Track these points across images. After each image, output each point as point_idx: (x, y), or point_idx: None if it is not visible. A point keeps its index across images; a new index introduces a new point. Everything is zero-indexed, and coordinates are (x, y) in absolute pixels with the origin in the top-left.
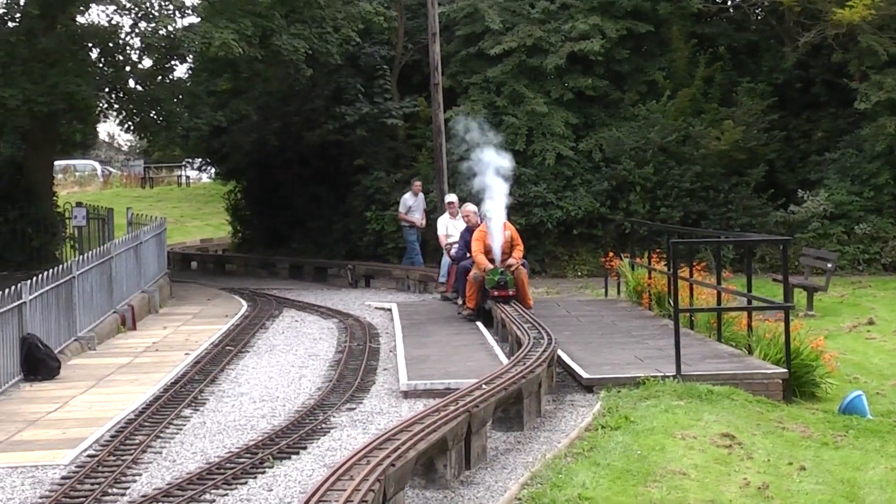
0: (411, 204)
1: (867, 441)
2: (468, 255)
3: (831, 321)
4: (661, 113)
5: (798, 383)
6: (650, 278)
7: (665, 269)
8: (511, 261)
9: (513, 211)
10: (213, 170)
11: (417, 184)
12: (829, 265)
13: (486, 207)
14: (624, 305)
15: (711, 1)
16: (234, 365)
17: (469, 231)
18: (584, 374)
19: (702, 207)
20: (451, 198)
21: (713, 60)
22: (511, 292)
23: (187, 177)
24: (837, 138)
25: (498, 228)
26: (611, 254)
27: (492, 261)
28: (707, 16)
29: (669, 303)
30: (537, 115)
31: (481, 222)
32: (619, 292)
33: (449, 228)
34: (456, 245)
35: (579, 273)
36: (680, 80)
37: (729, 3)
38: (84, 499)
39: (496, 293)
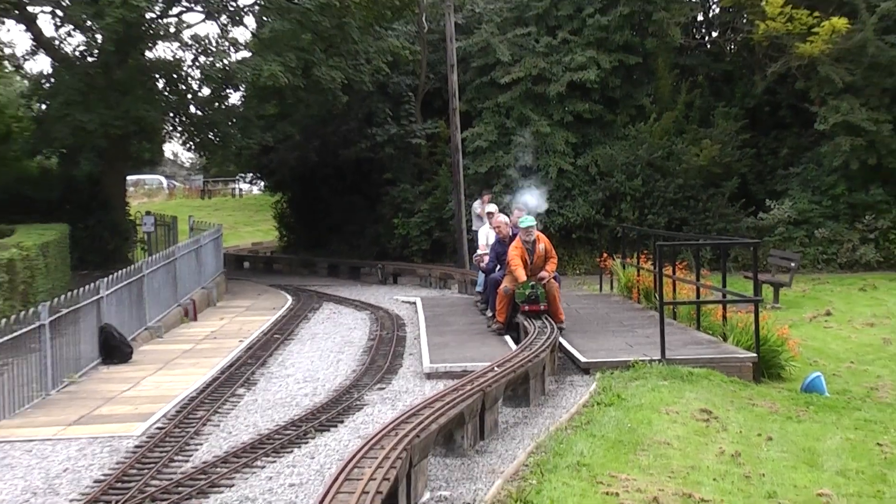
0: (479, 212)
1: (825, 415)
2: (499, 267)
3: (794, 312)
4: (648, 133)
5: (766, 366)
6: (639, 276)
7: (651, 267)
8: (543, 273)
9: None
10: (262, 183)
11: (487, 196)
12: (793, 264)
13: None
14: (616, 299)
15: (691, 36)
16: (280, 350)
17: (500, 243)
18: (582, 359)
19: (683, 214)
20: (492, 208)
21: (693, 88)
22: (542, 307)
23: (240, 189)
24: (800, 155)
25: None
26: (605, 255)
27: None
28: (688, 49)
29: (655, 297)
30: (541, 135)
31: (513, 234)
32: (612, 288)
33: (490, 238)
34: (487, 257)
35: (578, 271)
36: (664, 104)
37: (706, 38)
38: (153, 465)
39: (527, 307)
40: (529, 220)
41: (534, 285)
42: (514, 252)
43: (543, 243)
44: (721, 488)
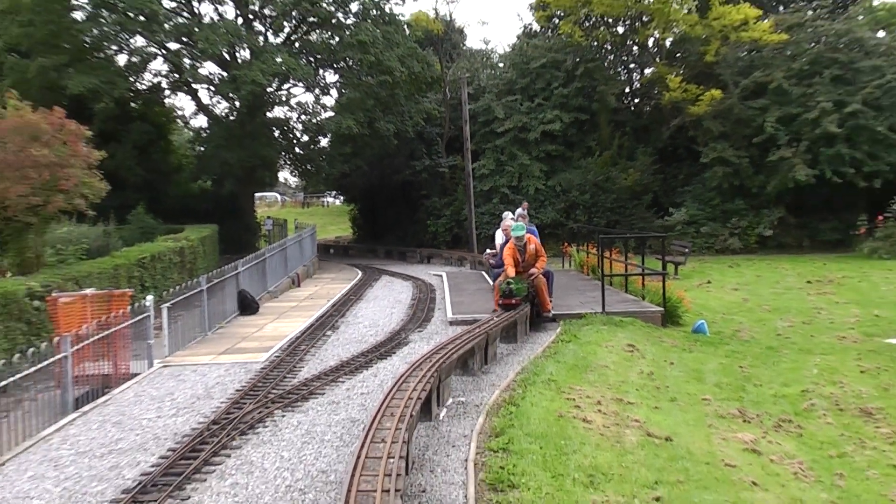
0: (511, 217)
1: (707, 348)
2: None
3: (687, 282)
4: (594, 164)
5: (669, 316)
6: (588, 257)
7: (596, 252)
8: (533, 271)
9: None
10: (342, 197)
11: (526, 204)
12: (686, 250)
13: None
14: (573, 273)
15: (622, 101)
16: (354, 307)
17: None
18: (552, 311)
19: (617, 217)
20: (511, 215)
21: (623, 135)
22: (515, 300)
23: (328, 201)
24: (691, 178)
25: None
26: (565, 244)
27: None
28: (619, 109)
29: (598, 271)
30: (524, 166)
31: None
32: (570, 266)
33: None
34: (496, 256)
35: (548, 254)
36: (604, 145)
37: (632, 102)
38: (273, 380)
39: (502, 301)
40: (520, 229)
41: (510, 282)
42: (507, 252)
43: (534, 244)
44: (641, 395)
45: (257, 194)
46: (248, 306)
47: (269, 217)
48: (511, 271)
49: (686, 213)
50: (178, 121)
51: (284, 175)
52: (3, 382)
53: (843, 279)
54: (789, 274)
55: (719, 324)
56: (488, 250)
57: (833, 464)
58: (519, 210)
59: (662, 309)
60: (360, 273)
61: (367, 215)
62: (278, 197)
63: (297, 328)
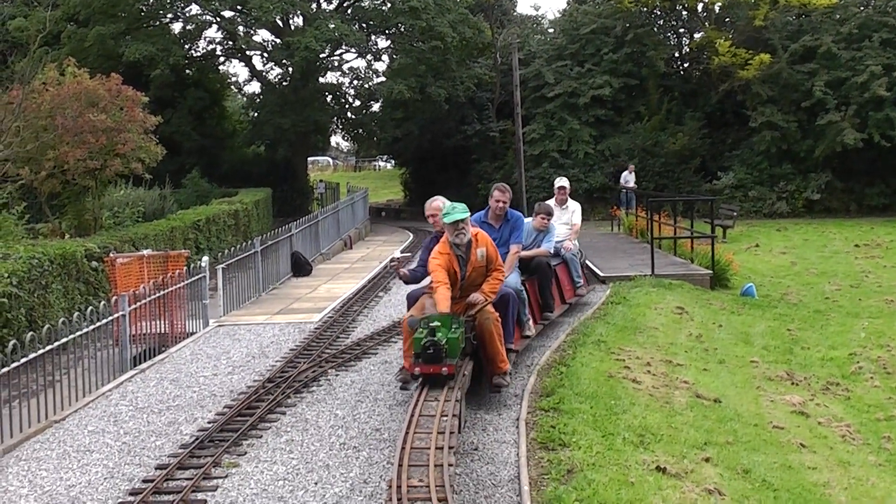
0: (629, 177)
1: (755, 311)
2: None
3: (736, 245)
4: (643, 129)
5: (718, 279)
6: (637, 221)
7: (645, 215)
8: (476, 297)
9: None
10: (393, 161)
11: (631, 165)
12: (735, 214)
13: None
14: (621, 237)
15: (671, 66)
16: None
17: (435, 240)
18: (601, 273)
19: (665, 182)
20: (565, 182)
21: (671, 100)
22: (445, 369)
23: (379, 165)
24: (739, 143)
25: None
26: (614, 207)
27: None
28: (668, 75)
29: (647, 235)
30: (573, 130)
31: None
32: (619, 229)
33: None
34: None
35: (597, 218)
36: (653, 111)
37: (681, 67)
38: (327, 339)
39: (417, 368)
40: (459, 212)
41: (433, 322)
42: (436, 261)
43: (485, 247)
44: (690, 357)
45: (310, 159)
46: (301, 268)
47: (321, 181)
48: (442, 299)
49: (734, 177)
50: (232, 87)
51: (336, 139)
52: (63, 340)
53: (891, 243)
54: (836, 238)
55: (767, 287)
56: (397, 253)
57: (880, 427)
58: (625, 173)
59: (711, 272)
60: (411, 235)
61: (419, 179)
62: (330, 161)
63: (350, 289)
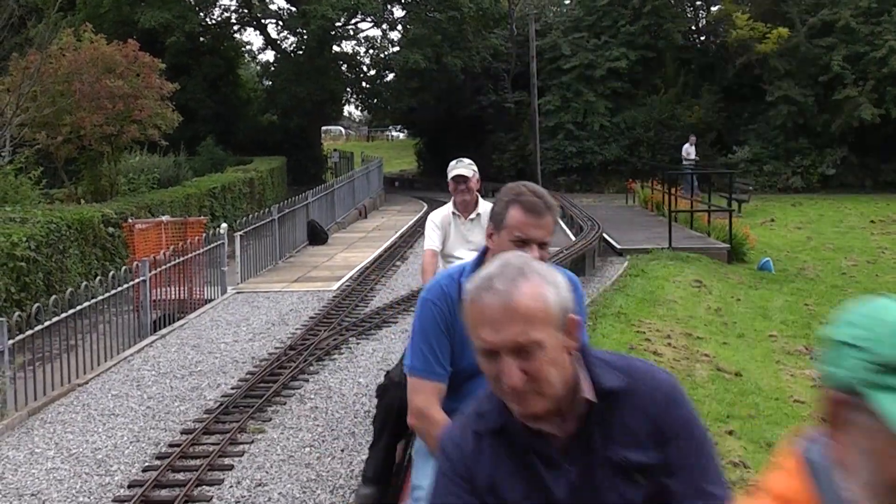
0: (690, 149)
1: (772, 285)
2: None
3: (752, 219)
4: (659, 102)
5: (735, 253)
6: (652, 194)
7: (661, 188)
8: None
9: (575, 157)
10: (407, 131)
11: (693, 137)
12: (751, 188)
13: None
14: (637, 210)
15: (688, 39)
16: (420, 237)
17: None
18: (618, 246)
19: (681, 155)
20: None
21: (688, 73)
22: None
23: (393, 135)
24: (755, 117)
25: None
26: (629, 180)
27: None
28: (685, 47)
29: (664, 208)
30: (590, 103)
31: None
32: (634, 202)
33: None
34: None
35: (612, 191)
36: (669, 83)
37: (698, 40)
38: (346, 308)
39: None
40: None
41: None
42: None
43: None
44: (709, 330)
45: (324, 128)
46: (317, 236)
47: (335, 150)
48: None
49: (749, 151)
50: (246, 55)
51: (349, 109)
52: (85, 304)
53: None
54: (852, 214)
55: (784, 262)
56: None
57: None
58: (686, 146)
59: (728, 246)
60: (425, 206)
61: (433, 149)
62: (342, 130)
63: (367, 258)
